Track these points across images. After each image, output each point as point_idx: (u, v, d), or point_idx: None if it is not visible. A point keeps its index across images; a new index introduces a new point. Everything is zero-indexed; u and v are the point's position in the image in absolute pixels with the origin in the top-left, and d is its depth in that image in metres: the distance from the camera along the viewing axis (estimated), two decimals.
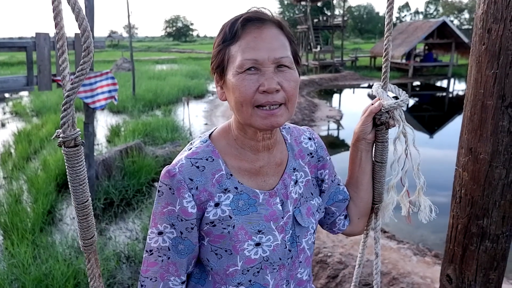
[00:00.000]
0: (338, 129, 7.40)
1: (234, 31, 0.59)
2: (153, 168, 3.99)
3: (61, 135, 0.49)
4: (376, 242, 0.85)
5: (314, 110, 8.23)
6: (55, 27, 0.43)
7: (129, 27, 9.54)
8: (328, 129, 7.30)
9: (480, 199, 0.76)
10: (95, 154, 3.82)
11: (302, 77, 13.69)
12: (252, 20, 0.59)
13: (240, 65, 0.58)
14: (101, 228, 3.08)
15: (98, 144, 5.51)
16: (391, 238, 2.58)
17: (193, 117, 7.36)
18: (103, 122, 6.80)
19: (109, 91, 3.26)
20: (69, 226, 3.11)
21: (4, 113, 8.20)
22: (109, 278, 2.34)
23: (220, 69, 0.62)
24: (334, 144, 6.24)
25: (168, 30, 68.51)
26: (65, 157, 0.51)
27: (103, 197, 3.45)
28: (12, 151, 5.03)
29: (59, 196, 3.60)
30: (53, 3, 0.41)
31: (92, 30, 3.17)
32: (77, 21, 0.41)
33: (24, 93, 10.18)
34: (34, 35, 2.84)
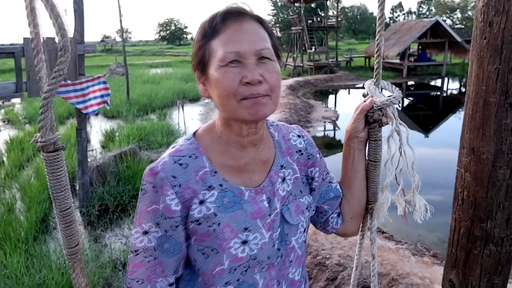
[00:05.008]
0: (334, 129, 7.40)
1: (213, 25, 0.59)
2: None
3: (39, 140, 0.46)
4: (372, 243, 0.82)
5: (310, 111, 8.23)
6: (29, 25, 0.40)
7: (122, 31, 9.49)
8: (324, 129, 7.30)
9: (484, 201, 0.73)
10: (89, 160, 3.77)
11: (298, 79, 13.72)
12: (232, 14, 0.59)
13: (222, 58, 0.57)
14: (96, 235, 3.03)
15: (92, 150, 5.45)
16: (389, 239, 2.56)
17: (189, 120, 7.33)
18: (97, 128, 6.74)
19: (102, 96, 3.21)
20: None
21: None
22: (104, 286, 2.29)
23: (201, 65, 0.61)
24: (331, 145, 6.24)
25: (162, 33, 68.43)
26: (44, 163, 0.49)
27: (97, 203, 3.40)
28: (5, 159, 4.96)
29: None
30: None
31: (82, 34, 3.13)
32: (51, 18, 0.38)
33: (16, 100, 10.07)
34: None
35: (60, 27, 0.39)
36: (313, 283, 2.07)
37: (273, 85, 0.59)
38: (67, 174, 0.53)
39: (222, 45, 0.58)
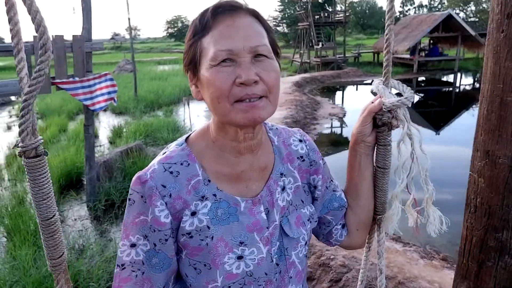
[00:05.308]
0: (341, 127, 7.31)
1: (204, 22, 0.54)
2: None
3: (20, 145, 0.44)
4: (380, 257, 0.75)
5: (317, 108, 8.14)
6: (9, 22, 0.37)
7: (130, 29, 9.55)
8: (331, 127, 7.21)
9: (499, 209, 0.67)
10: (96, 155, 3.81)
11: (304, 75, 13.57)
12: (223, 8, 0.54)
13: (214, 57, 0.52)
14: (102, 229, 3.07)
15: (100, 146, 5.52)
16: (397, 240, 2.50)
17: (195, 117, 7.34)
18: (106, 124, 6.82)
19: (109, 93, 3.23)
20: (71, 227, 3.12)
21: (10, 116, 8.29)
22: (108, 280, 2.32)
23: (192, 65, 0.56)
24: (338, 142, 6.16)
25: (170, 30, 68.70)
26: (26, 169, 0.46)
27: (104, 198, 3.45)
28: (17, 153, 5.06)
29: (61, 198, 3.62)
30: None
31: (90, 32, 3.14)
32: (29, 14, 0.36)
33: None
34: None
35: (39, 24, 0.36)
36: (316, 283, 2.04)
37: (271, 85, 0.54)
38: (51, 181, 0.50)
39: (213, 43, 0.53)
